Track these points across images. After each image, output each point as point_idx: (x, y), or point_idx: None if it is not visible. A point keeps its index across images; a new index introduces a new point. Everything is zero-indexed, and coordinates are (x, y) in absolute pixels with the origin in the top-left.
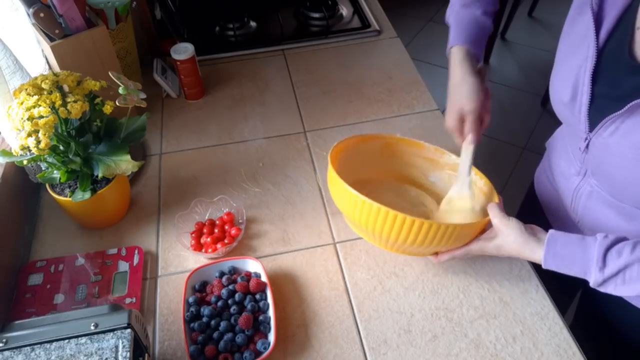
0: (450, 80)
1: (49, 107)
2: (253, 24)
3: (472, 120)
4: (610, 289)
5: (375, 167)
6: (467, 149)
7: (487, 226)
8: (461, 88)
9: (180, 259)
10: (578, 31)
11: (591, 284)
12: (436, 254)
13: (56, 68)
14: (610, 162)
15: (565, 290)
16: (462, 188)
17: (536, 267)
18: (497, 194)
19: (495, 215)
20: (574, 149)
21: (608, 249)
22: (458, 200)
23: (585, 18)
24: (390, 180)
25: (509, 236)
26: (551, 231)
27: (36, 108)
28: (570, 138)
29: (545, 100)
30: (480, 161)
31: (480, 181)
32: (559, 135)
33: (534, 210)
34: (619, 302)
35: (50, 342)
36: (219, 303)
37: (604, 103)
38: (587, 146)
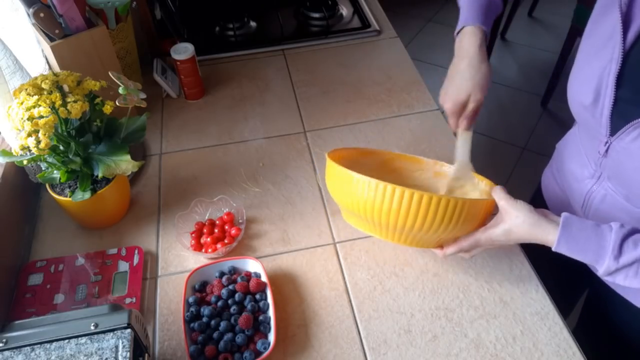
0: (463, 62)
1: (49, 107)
2: (253, 24)
3: (475, 108)
4: (620, 278)
5: None
6: (466, 135)
7: (493, 210)
8: (477, 75)
9: (180, 259)
10: (603, 32)
11: (600, 272)
12: (442, 247)
13: (56, 68)
14: (631, 167)
15: (566, 295)
16: (465, 176)
17: (536, 267)
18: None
19: (502, 198)
20: (590, 152)
21: (625, 239)
22: (459, 189)
23: (612, 18)
24: None
25: (517, 218)
26: (565, 214)
27: (36, 108)
28: (587, 141)
29: (545, 100)
30: (480, 161)
31: (481, 182)
32: (571, 138)
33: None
34: (625, 306)
35: (50, 342)
36: (219, 303)
37: (627, 108)
38: (606, 150)
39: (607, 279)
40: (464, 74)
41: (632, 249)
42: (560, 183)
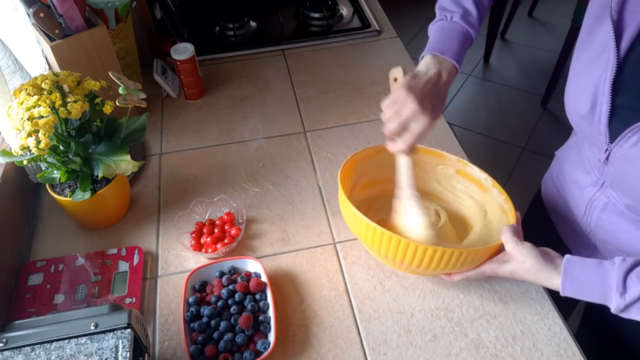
0: (440, 88)
1: (49, 107)
2: (253, 24)
3: (419, 134)
4: (634, 314)
5: (393, 177)
6: (406, 160)
7: (500, 248)
8: (442, 104)
9: (180, 259)
10: (597, 41)
11: (612, 310)
12: (449, 273)
13: (56, 68)
14: (632, 174)
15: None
16: (408, 203)
17: None
18: (515, 212)
19: (508, 241)
20: (592, 160)
21: (627, 273)
22: (409, 217)
23: (605, 27)
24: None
25: (524, 263)
26: (567, 256)
27: (36, 108)
28: (588, 149)
29: (545, 100)
30: (480, 161)
31: (500, 197)
32: (572, 145)
33: (541, 218)
34: None
35: (50, 342)
36: (219, 303)
37: (625, 114)
38: (607, 157)
39: (624, 316)
40: (442, 95)
41: (636, 283)
42: (562, 191)
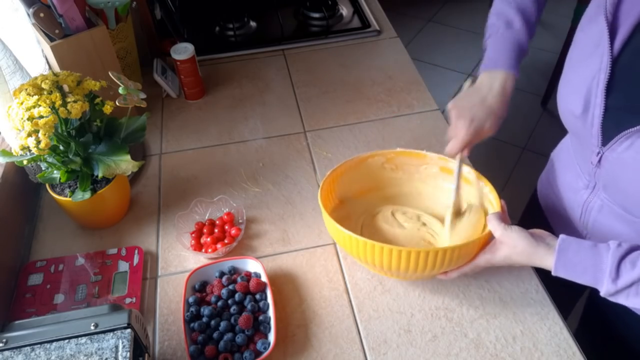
0: (488, 99)
1: (49, 107)
2: (253, 24)
3: (477, 141)
4: (622, 299)
5: (379, 184)
6: (461, 161)
7: (491, 237)
8: (494, 114)
9: (180, 259)
10: (589, 41)
11: (602, 294)
12: (445, 272)
13: (56, 68)
14: (625, 178)
15: (566, 295)
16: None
17: (536, 267)
18: (500, 200)
19: (497, 228)
20: (583, 162)
21: (622, 259)
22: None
23: (598, 27)
24: (394, 199)
25: (516, 247)
26: (562, 237)
27: (36, 108)
28: (580, 151)
29: (546, 100)
30: (480, 161)
31: (485, 188)
32: (564, 147)
33: (537, 219)
34: (626, 311)
35: (50, 342)
36: (219, 303)
37: (618, 116)
38: (599, 160)
39: (611, 299)
40: (485, 108)
41: (629, 269)
42: (557, 193)
